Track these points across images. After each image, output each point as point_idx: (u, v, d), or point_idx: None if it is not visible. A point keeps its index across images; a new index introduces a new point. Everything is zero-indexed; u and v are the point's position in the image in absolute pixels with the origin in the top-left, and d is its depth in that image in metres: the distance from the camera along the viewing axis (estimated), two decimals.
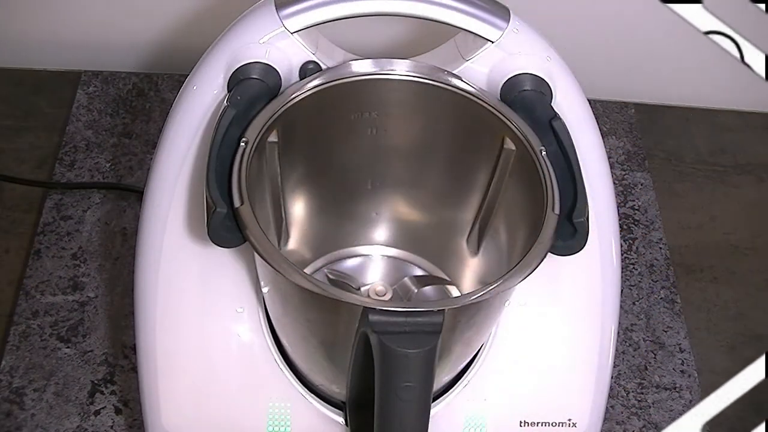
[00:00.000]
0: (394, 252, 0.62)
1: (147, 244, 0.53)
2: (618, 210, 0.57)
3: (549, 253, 0.44)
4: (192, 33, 0.93)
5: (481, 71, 0.52)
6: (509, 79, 0.51)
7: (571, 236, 0.44)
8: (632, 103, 0.97)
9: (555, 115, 0.49)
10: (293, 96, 0.50)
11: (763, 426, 0.69)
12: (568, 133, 0.48)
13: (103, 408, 0.70)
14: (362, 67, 0.51)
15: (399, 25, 0.92)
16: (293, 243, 0.60)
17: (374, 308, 0.41)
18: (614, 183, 0.57)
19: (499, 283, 0.43)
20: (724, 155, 0.95)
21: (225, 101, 0.48)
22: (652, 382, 0.76)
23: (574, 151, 0.47)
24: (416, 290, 0.58)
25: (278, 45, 0.51)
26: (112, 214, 0.82)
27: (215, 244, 0.43)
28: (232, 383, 0.55)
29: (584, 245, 0.44)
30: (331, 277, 0.60)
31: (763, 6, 0.72)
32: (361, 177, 0.58)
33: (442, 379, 0.53)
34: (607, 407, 0.58)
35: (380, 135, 0.54)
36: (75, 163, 0.85)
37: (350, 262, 0.62)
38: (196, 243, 0.53)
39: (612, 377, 0.58)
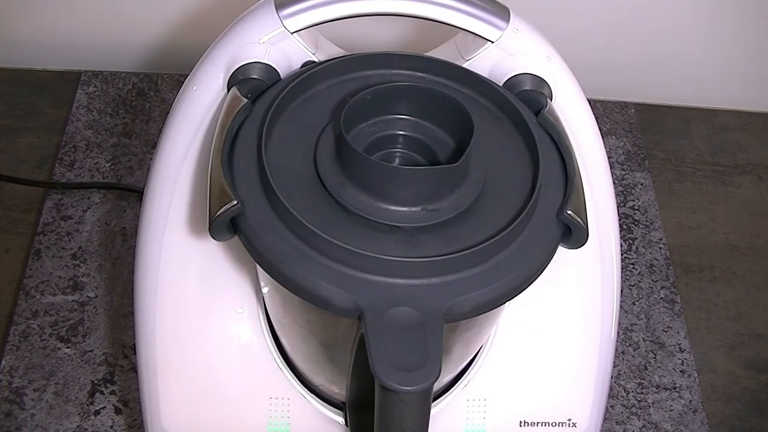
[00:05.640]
0: None
1: (147, 244, 0.53)
2: (618, 210, 0.57)
3: None
4: (192, 33, 0.93)
5: (481, 71, 0.52)
6: (509, 79, 0.51)
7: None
8: (632, 103, 0.97)
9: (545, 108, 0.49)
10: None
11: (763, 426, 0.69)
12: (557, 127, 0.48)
13: (103, 408, 0.70)
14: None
15: (399, 25, 0.92)
16: None
17: None
18: (614, 183, 0.57)
19: None
20: (724, 155, 0.95)
21: (236, 95, 0.47)
22: (652, 382, 0.76)
23: (569, 148, 0.47)
24: None
25: (278, 45, 0.50)
26: (112, 214, 0.82)
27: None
28: (232, 383, 0.55)
29: (585, 239, 0.44)
30: None
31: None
32: None
33: (442, 379, 0.53)
34: (607, 407, 0.58)
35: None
36: (75, 163, 0.85)
37: None
38: (196, 243, 0.53)
39: (612, 377, 0.58)
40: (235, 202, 0.41)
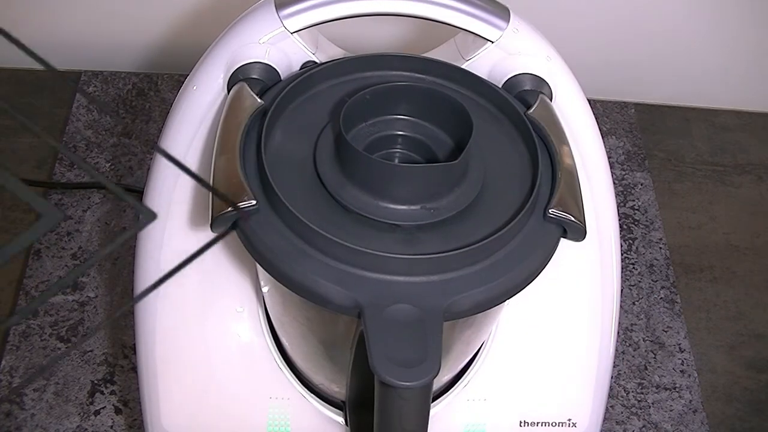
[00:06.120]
0: None
1: (147, 244, 0.53)
2: (618, 210, 0.57)
3: None
4: (192, 33, 0.93)
5: (481, 71, 0.52)
6: (509, 79, 0.51)
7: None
8: (632, 103, 0.97)
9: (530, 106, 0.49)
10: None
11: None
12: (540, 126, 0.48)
13: (103, 408, 0.70)
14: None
15: (399, 25, 0.92)
16: None
17: None
18: (614, 183, 0.57)
19: None
20: (724, 155, 0.95)
21: (243, 93, 0.47)
22: (652, 382, 0.76)
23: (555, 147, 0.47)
24: None
25: (278, 45, 0.51)
26: (112, 214, 0.82)
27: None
28: (231, 383, 0.55)
29: (582, 234, 0.44)
30: None
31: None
32: None
33: (442, 377, 0.53)
34: (607, 407, 0.58)
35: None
36: (75, 163, 0.85)
37: None
38: (196, 242, 0.53)
39: (612, 377, 0.58)
40: (254, 202, 0.41)
